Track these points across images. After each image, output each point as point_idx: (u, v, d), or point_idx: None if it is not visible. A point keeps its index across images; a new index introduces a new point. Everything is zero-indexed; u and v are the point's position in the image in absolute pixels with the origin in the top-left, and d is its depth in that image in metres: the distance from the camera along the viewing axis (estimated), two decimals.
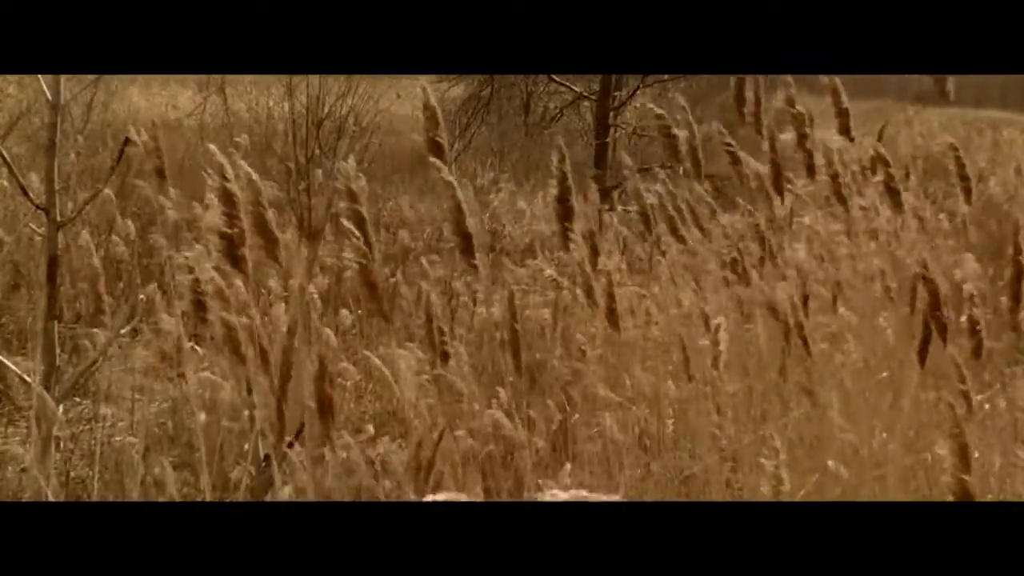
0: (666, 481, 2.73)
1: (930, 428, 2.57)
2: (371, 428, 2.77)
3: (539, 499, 1.24)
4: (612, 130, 8.70)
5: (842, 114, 2.74)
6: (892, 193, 2.74)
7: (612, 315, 2.63)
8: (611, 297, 2.63)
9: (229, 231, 1.96)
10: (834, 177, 2.80)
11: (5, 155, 2.75)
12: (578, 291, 3.03)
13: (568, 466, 2.69)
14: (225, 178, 1.93)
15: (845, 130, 2.76)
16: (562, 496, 1.18)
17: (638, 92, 8.84)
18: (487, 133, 10.24)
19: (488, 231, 6.45)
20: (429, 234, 7.09)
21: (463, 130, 9.99)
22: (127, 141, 2.93)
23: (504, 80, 10.43)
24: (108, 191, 4.39)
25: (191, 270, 2.05)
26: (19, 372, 3.07)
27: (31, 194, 2.92)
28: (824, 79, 2.67)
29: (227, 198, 1.95)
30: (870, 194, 2.86)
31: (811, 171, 2.79)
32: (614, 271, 3.85)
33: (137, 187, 3.62)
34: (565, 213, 2.43)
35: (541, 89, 10.99)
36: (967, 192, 2.89)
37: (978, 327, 2.28)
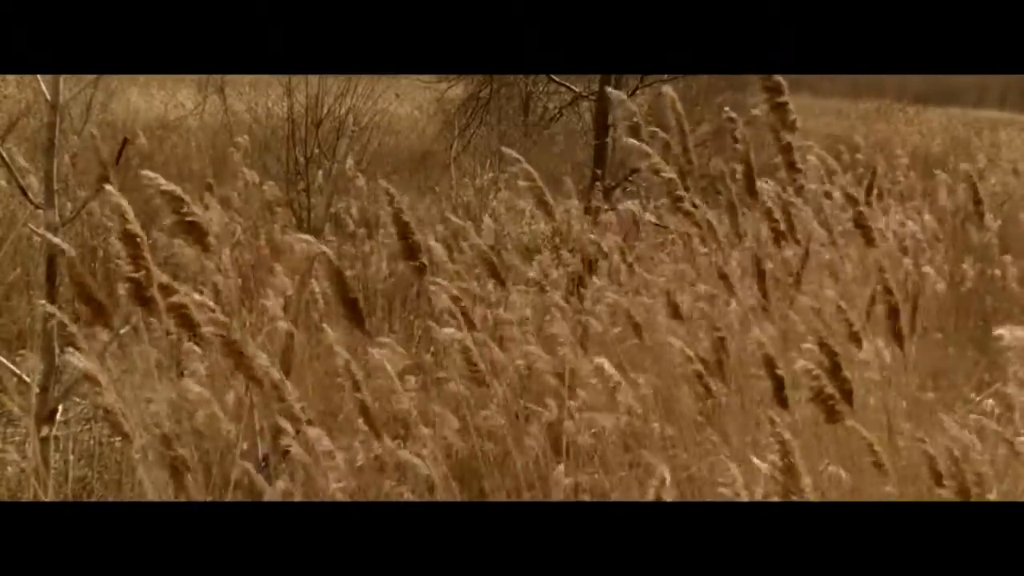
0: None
1: (929, 428, 2.57)
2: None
3: None
4: (611, 130, 8.69)
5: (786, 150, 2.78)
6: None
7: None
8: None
9: (135, 275, 1.91)
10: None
11: (4, 155, 2.75)
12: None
13: (561, 467, 2.68)
14: (126, 219, 1.87)
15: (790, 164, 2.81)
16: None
17: (637, 92, 8.83)
18: (487, 133, 10.23)
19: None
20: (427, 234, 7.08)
21: (463, 130, 9.98)
22: (126, 141, 2.94)
23: (504, 80, 10.41)
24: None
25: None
26: (18, 372, 3.06)
27: (30, 194, 2.92)
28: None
29: (130, 240, 1.90)
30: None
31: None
32: (613, 271, 3.85)
33: (141, 186, 3.60)
34: (409, 251, 2.33)
35: (540, 89, 10.98)
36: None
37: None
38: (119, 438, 1.95)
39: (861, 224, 2.81)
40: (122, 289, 1.90)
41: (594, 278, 3.64)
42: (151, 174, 2.00)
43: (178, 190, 2.03)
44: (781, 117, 2.57)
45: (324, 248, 2.07)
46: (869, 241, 2.81)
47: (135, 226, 1.88)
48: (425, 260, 2.20)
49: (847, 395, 2.16)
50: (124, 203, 1.87)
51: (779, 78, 2.55)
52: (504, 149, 2.95)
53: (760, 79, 2.51)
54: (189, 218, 2.03)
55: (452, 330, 2.26)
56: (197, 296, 1.95)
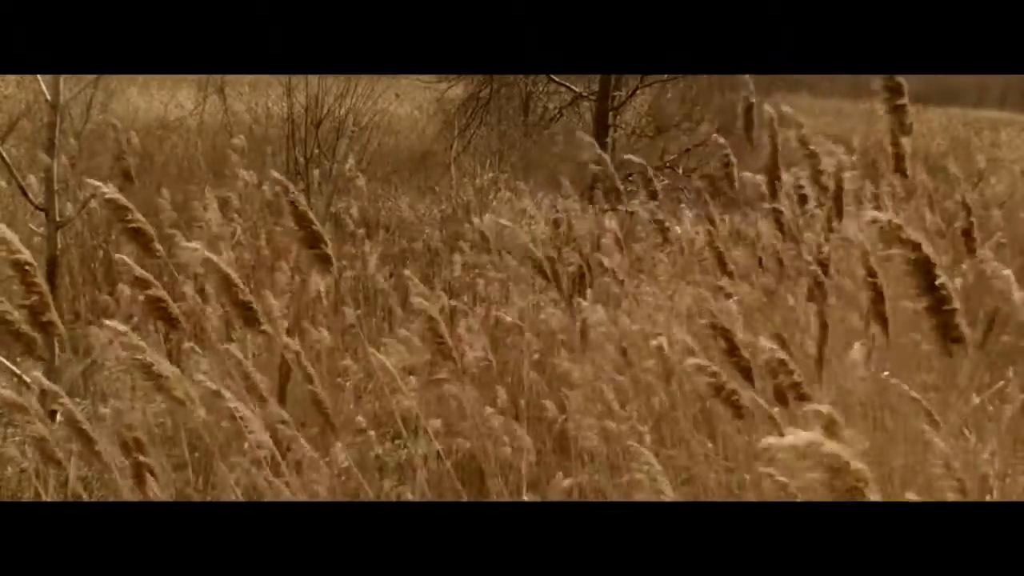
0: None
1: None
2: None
3: None
4: (611, 130, 8.70)
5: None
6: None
7: None
8: None
9: (27, 302, 1.91)
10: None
11: (4, 155, 2.75)
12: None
13: (560, 475, 2.68)
14: (13, 249, 1.86)
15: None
16: None
17: (637, 92, 8.85)
18: (487, 133, 10.24)
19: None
20: (428, 235, 7.10)
21: (463, 130, 9.99)
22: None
23: (504, 80, 10.43)
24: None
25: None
26: (18, 372, 3.07)
27: (30, 194, 2.92)
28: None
29: (19, 268, 1.89)
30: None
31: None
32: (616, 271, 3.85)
33: (141, 187, 3.61)
34: (311, 240, 2.20)
35: (540, 89, 10.99)
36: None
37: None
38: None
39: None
40: (20, 316, 1.90)
41: (585, 297, 3.65)
42: (95, 182, 2.00)
43: (121, 198, 2.02)
44: (899, 119, 2.51)
45: (211, 255, 2.05)
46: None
47: (26, 255, 1.88)
48: (329, 250, 2.12)
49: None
50: (8, 232, 1.87)
51: (901, 79, 2.48)
52: (580, 134, 2.91)
53: (883, 79, 2.45)
54: (132, 225, 2.03)
55: (419, 299, 2.17)
56: (111, 322, 1.94)
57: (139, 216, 2.02)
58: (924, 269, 1.61)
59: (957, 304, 1.65)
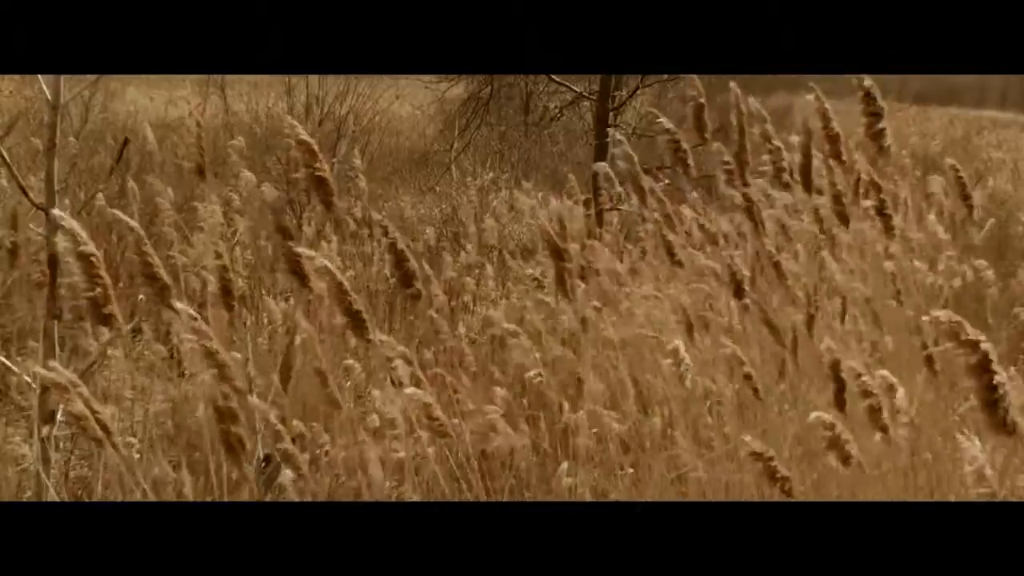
0: (665, 481, 2.73)
1: (931, 427, 2.57)
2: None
3: None
4: (612, 130, 8.67)
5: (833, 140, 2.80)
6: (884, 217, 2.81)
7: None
8: None
9: (92, 293, 1.94)
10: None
11: (4, 155, 2.74)
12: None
13: (565, 465, 2.68)
14: (78, 240, 1.89)
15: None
16: None
17: (638, 92, 8.83)
18: (487, 133, 10.24)
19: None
20: (428, 235, 7.09)
21: (463, 130, 9.99)
22: (126, 141, 2.94)
23: (504, 80, 10.41)
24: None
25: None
26: (18, 372, 3.07)
27: (31, 194, 2.91)
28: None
29: (84, 259, 1.93)
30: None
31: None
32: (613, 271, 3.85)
33: (140, 187, 3.60)
34: (405, 279, 2.23)
35: (541, 89, 10.98)
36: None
37: None
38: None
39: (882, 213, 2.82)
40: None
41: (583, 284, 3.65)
42: (293, 120, 2.06)
43: (314, 144, 2.08)
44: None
45: (326, 262, 2.08)
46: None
47: (89, 246, 1.92)
48: (421, 287, 2.16)
49: None
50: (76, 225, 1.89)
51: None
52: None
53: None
54: (318, 173, 2.11)
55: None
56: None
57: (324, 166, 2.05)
58: (983, 369, 1.57)
59: (1013, 399, 1.60)
